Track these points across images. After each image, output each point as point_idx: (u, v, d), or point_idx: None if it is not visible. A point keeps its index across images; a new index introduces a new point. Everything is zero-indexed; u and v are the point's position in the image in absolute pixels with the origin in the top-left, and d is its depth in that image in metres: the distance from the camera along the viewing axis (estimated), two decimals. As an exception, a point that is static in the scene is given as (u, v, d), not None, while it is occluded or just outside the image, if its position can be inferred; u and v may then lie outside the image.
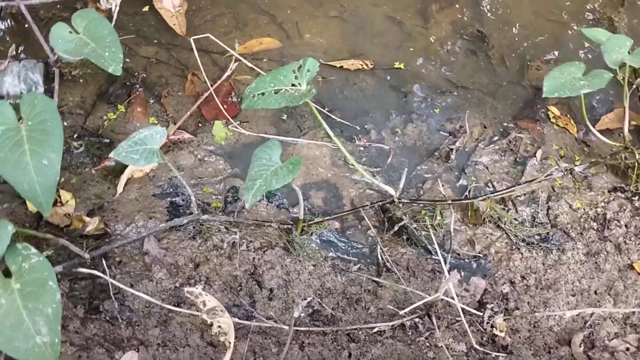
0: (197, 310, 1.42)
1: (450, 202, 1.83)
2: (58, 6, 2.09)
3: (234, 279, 1.63)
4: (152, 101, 1.98)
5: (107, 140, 1.85)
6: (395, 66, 2.24)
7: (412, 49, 2.32)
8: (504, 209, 1.90)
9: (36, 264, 1.21)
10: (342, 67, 2.21)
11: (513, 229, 1.87)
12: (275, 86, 1.63)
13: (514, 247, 1.86)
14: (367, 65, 2.23)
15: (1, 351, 1.33)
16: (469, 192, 1.92)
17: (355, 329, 1.57)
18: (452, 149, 1.98)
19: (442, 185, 1.94)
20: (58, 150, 1.43)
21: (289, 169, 1.43)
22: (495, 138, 2.10)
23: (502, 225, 1.88)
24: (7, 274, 1.23)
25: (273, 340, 1.54)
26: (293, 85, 1.62)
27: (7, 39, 2.00)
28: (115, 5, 1.95)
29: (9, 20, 2.04)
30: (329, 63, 2.20)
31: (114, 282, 1.41)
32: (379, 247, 1.73)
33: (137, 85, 1.98)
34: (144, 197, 1.77)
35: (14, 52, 1.86)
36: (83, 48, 1.65)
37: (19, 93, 1.83)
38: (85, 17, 1.70)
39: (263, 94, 1.63)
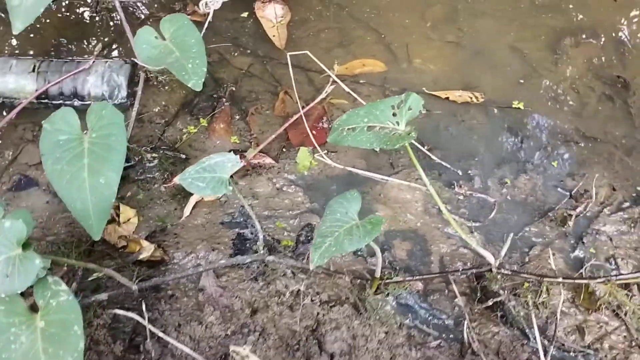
0: (242, 373, 1.24)
1: (561, 280, 1.52)
2: (156, 5, 1.99)
3: (293, 334, 1.43)
4: (237, 117, 1.82)
5: (183, 156, 1.71)
6: (513, 105, 1.94)
7: (535, 87, 2.02)
8: (627, 295, 1.57)
9: (64, 302, 1.07)
10: (447, 98, 1.95)
11: (635, 322, 1.54)
12: (370, 122, 1.41)
13: (633, 343, 1.52)
14: (476, 98, 1.95)
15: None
16: (585, 269, 1.60)
17: (424, 423, 1.32)
18: (570, 215, 1.67)
19: (554, 255, 1.63)
20: (118, 170, 1.30)
21: (367, 229, 1.20)
22: (626, 205, 1.76)
23: (622, 315, 1.55)
24: (34, 307, 1.10)
25: (325, 418, 1.32)
26: (391, 123, 1.40)
27: (98, 34, 1.92)
28: (210, 12, 1.82)
29: (103, 16, 1.96)
30: (434, 93, 1.95)
31: (152, 329, 1.25)
32: (466, 322, 1.46)
33: (224, 99, 1.83)
34: (210, 224, 1.61)
35: (100, 51, 1.77)
36: (167, 57, 1.52)
37: (100, 94, 1.73)
38: (174, 23, 1.57)
39: (354, 129, 1.42)
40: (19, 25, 1.53)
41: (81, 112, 1.36)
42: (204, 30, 1.63)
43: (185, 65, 1.50)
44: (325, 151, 1.78)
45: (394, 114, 1.41)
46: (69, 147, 1.31)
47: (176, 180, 1.35)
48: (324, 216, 1.27)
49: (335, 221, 1.24)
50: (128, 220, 1.54)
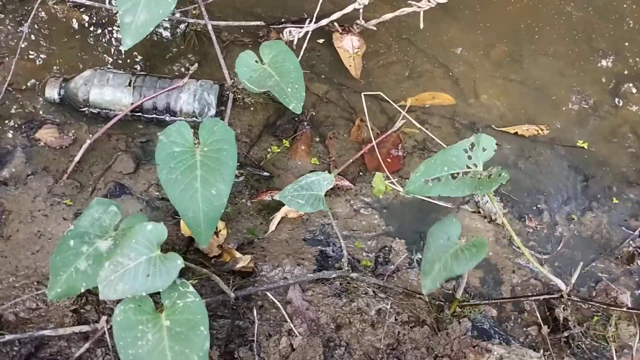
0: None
1: (625, 309, 1.58)
2: (241, 30, 2.09)
3: (376, 351, 1.49)
4: (316, 140, 1.90)
5: (267, 174, 1.79)
6: (577, 144, 2.02)
7: (597, 128, 2.10)
8: (692, 334, 1.62)
9: (191, 304, 1.14)
10: (516, 133, 2.03)
11: (702, 361, 1.58)
12: (450, 169, 1.43)
13: (699, 382, 1.57)
14: (541, 130, 2.04)
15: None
16: (653, 305, 1.66)
17: None
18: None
19: (617, 290, 1.69)
20: (228, 182, 1.38)
21: (472, 252, 1.26)
22: (688, 247, 1.82)
23: (689, 354, 1.60)
24: (158, 306, 1.17)
25: None
26: (468, 167, 1.44)
27: (189, 56, 2.02)
28: (299, 39, 1.91)
29: (192, 38, 2.06)
30: (502, 129, 2.03)
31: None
32: (541, 352, 1.52)
33: (305, 123, 1.92)
34: (294, 240, 1.68)
35: (194, 71, 1.86)
36: (267, 80, 1.61)
37: (192, 111, 1.82)
38: (273, 49, 1.66)
39: (439, 179, 1.44)
40: (128, 42, 1.62)
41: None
42: (299, 57, 1.73)
43: (285, 89, 1.59)
44: (399, 177, 1.85)
45: (469, 157, 1.43)
46: (183, 159, 1.39)
47: (277, 197, 1.43)
48: (427, 243, 1.34)
49: (440, 247, 1.31)
50: (219, 231, 1.61)
